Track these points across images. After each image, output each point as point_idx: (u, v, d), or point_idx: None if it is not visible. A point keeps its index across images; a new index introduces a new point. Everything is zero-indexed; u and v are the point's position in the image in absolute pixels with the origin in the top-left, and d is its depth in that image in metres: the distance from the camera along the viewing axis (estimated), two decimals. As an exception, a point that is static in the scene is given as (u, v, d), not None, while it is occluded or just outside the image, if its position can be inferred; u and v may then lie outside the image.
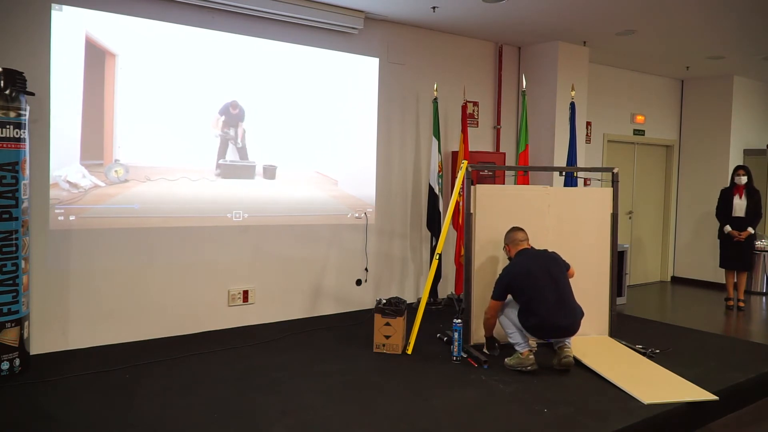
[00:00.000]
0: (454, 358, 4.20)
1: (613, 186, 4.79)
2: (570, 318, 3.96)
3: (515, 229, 4.32)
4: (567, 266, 4.19)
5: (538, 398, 3.50)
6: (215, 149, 4.90)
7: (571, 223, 4.70)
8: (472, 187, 4.55)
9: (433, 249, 5.79)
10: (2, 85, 3.61)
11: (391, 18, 5.64)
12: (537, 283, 3.97)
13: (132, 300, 4.56)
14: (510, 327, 4.05)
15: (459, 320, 4.23)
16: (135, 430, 3.02)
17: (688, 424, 3.49)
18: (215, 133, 4.90)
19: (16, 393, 3.47)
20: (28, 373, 3.78)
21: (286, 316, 5.31)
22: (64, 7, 4.18)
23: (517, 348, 4.01)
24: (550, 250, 4.23)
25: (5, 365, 3.66)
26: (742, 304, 6.71)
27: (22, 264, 3.79)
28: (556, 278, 4.01)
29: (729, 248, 6.75)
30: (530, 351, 3.99)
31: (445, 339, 4.64)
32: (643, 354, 4.38)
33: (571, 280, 4.11)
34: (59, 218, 4.24)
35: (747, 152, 8.12)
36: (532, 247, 4.25)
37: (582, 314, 4.04)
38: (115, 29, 4.40)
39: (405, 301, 4.56)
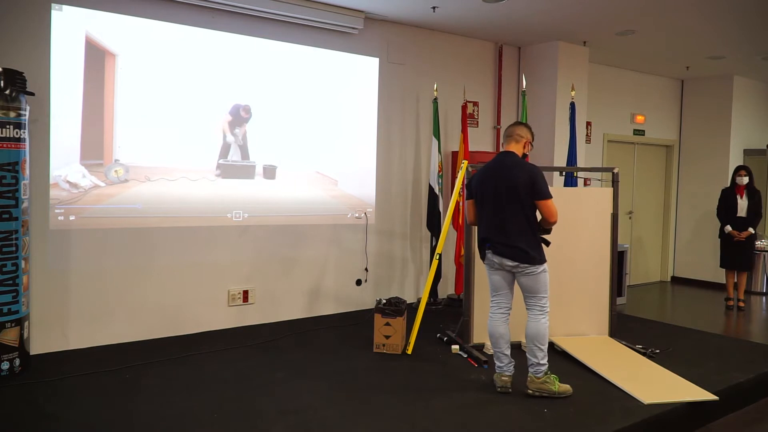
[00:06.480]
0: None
1: (613, 186, 4.78)
2: (509, 251, 3.47)
3: (512, 125, 3.74)
4: (534, 195, 3.42)
5: (538, 398, 3.50)
6: (215, 149, 4.90)
7: (571, 223, 4.69)
8: (472, 187, 4.54)
9: (433, 249, 5.78)
10: (2, 85, 3.61)
11: (391, 18, 5.64)
12: (486, 201, 3.58)
13: (132, 300, 4.56)
14: (492, 341, 3.69)
15: None
16: (135, 430, 3.02)
17: (688, 424, 3.49)
18: (229, 138, 4.92)
19: (16, 393, 3.47)
20: (28, 373, 3.78)
21: (286, 316, 5.31)
22: (64, 6, 4.18)
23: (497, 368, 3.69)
24: (524, 169, 3.48)
25: (5, 365, 3.66)
26: (742, 304, 6.71)
27: (22, 264, 3.79)
28: (502, 207, 3.48)
29: (729, 248, 6.75)
30: (505, 375, 3.63)
31: (445, 339, 4.64)
32: (643, 354, 4.38)
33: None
34: (59, 218, 4.24)
35: (747, 152, 8.11)
36: (513, 153, 3.59)
37: (525, 253, 3.42)
38: (115, 29, 4.40)
39: (405, 301, 4.56)
